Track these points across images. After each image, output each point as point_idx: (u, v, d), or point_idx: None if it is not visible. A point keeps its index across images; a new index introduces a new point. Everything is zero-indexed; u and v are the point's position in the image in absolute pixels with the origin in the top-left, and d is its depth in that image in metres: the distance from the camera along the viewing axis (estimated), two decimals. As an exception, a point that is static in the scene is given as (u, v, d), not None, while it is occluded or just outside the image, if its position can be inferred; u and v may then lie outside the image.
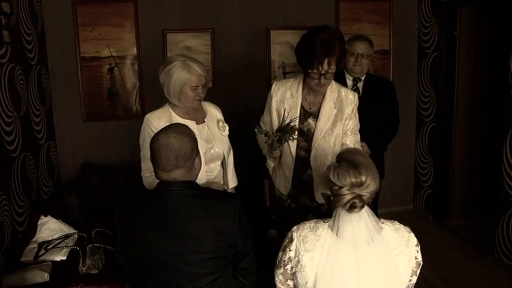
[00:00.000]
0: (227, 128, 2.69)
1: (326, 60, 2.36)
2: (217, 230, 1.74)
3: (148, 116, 2.53)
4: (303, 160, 2.64)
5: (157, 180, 1.84)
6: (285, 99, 2.62)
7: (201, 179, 2.46)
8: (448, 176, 4.52)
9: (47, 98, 3.92)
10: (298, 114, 2.58)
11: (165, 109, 2.56)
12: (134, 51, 4.11)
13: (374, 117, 3.39)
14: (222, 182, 2.70)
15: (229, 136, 2.71)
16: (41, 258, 2.80)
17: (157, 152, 1.75)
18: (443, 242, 4.16)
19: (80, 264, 2.63)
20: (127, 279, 1.92)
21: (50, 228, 3.08)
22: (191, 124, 2.51)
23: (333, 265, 1.54)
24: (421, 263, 1.66)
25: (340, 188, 1.54)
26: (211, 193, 1.87)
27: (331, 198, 1.58)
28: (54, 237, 3.00)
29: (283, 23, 4.32)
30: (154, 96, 4.20)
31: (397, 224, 1.66)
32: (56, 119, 4.07)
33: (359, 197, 1.52)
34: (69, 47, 4.00)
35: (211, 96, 4.15)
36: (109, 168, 4.05)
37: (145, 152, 2.38)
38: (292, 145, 2.59)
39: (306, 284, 1.56)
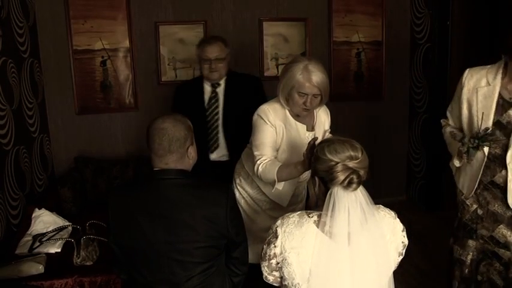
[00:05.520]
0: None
1: None
2: (209, 219, 1.75)
3: (264, 107, 2.40)
4: (496, 158, 2.28)
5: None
6: (479, 88, 2.29)
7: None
8: (441, 167, 4.54)
9: (40, 91, 3.91)
10: (494, 104, 2.23)
11: (282, 104, 2.42)
12: (127, 43, 4.10)
13: (241, 117, 2.90)
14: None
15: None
16: (36, 250, 2.81)
17: (152, 136, 1.78)
18: (435, 233, 4.18)
19: (74, 256, 2.65)
20: (122, 268, 1.93)
21: (44, 220, 3.09)
22: (302, 128, 2.45)
23: (325, 261, 1.52)
24: (407, 244, 1.66)
25: (337, 163, 1.51)
26: (203, 183, 1.87)
27: (325, 179, 1.55)
28: (49, 230, 3.01)
29: (275, 15, 4.31)
30: (147, 89, 4.21)
31: (382, 211, 1.64)
32: (49, 112, 4.06)
33: (356, 172, 1.50)
34: (62, 40, 3.98)
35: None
36: (102, 160, 4.05)
37: (257, 142, 2.37)
38: None
39: (293, 279, 1.56)
